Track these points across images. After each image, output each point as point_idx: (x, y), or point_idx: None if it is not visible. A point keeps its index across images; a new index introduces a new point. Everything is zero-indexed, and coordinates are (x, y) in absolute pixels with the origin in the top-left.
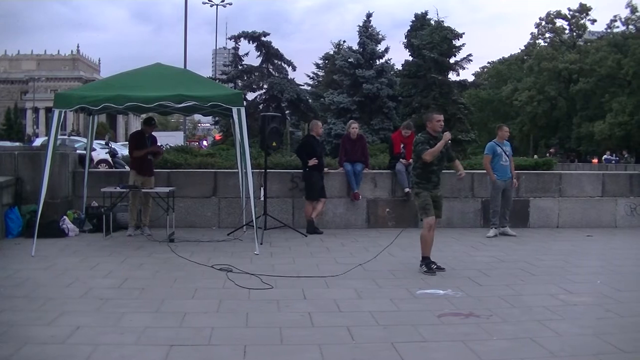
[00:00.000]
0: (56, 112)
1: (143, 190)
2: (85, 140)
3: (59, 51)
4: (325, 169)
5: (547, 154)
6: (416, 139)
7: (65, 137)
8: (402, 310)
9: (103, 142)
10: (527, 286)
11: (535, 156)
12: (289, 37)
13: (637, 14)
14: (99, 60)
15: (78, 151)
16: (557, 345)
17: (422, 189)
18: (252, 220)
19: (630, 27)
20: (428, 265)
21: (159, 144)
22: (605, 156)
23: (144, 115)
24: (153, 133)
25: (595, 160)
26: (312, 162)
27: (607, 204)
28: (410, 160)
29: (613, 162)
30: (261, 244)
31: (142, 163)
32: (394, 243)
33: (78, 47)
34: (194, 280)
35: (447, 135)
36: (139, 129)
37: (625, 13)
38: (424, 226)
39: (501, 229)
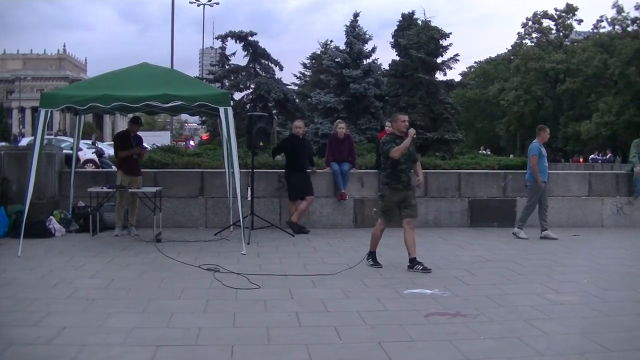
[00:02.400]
0: (42, 112)
1: (130, 190)
2: (71, 140)
3: (45, 50)
4: (313, 168)
5: None
6: (382, 140)
7: (52, 136)
8: (389, 310)
9: (90, 142)
10: (514, 285)
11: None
12: (277, 37)
13: (623, 14)
14: (86, 60)
15: (64, 151)
16: (543, 345)
17: (391, 190)
18: (239, 220)
19: (617, 27)
20: (374, 259)
21: (144, 144)
22: (592, 156)
23: (130, 115)
24: (139, 133)
25: (580, 160)
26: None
27: (593, 204)
28: None
29: (599, 161)
30: (248, 243)
31: (129, 163)
32: (381, 243)
33: (64, 46)
34: (181, 280)
35: (412, 132)
36: (125, 128)
37: (611, 13)
38: (377, 224)
39: (543, 232)
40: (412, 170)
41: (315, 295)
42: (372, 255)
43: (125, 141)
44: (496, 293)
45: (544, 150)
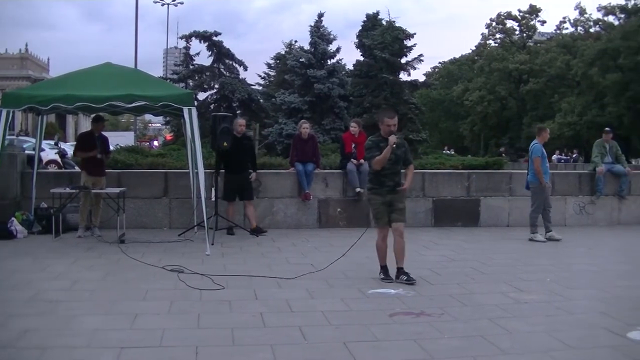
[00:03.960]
0: (4, 112)
1: (93, 191)
2: (34, 140)
3: (6, 50)
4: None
5: (502, 154)
6: (366, 144)
7: (14, 137)
8: (354, 310)
9: (52, 142)
10: (478, 285)
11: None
12: (243, 37)
13: (585, 15)
14: (48, 60)
15: (27, 151)
16: (507, 343)
17: (374, 194)
18: (203, 221)
19: (579, 28)
20: (384, 272)
21: (110, 144)
22: (554, 156)
23: (93, 115)
24: (105, 133)
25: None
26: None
27: (556, 203)
28: (362, 161)
29: (563, 161)
30: (212, 244)
31: (94, 163)
32: (348, 243)
33: (27, 45)
34: (145, 281)
35: (391, 140)
36: (89, 129)
37: (574, 15)
38: (377, 235)
39: (548, 233)
40: (399, 174)
41: (280, 296)
42: (382, 269)
43: (88, 142)
44: (460, 292)
45: (544, 151)
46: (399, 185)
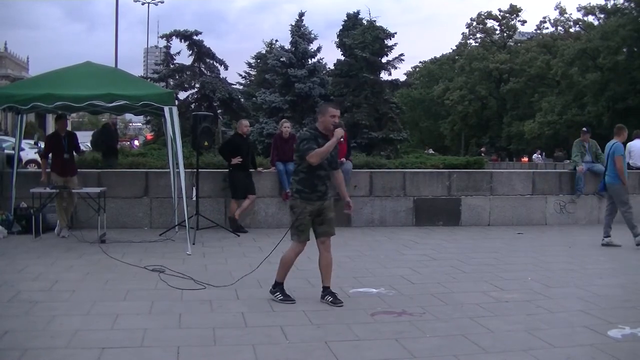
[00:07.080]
0: None
1: (74, 190)
2: (13, 139)
3: None
4: (260, 168)
5: (482, 154)
6: (300, 135)
7: None
8: (335, 309)
9: (32, 141)
10: (459, 284)
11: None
12: (224, 37)
13: (565, 15)
14: (28, 58)
15: (6, 151)
16: (488, 342)
17: (302, 201)
18: (184, 221)
19: (559, 28)
20: (283, 292)
21: (80, 141)
22: (535, 155)
23: (74, 115)
24: (84, 133)
25: (525, 159)
26: (236, 160)
27: (537, 202)
28: (343, 159)
29: (541, 160)
30: (193, 244)
31: (62, 164)
32: None
33: (5, 44)
34: (126, 281)
35: (338, 133)
36: (55, 130)
37: (554, 15)
38: (290, 248)
39: (606, 239)
40: (330, 178)
41: (261, 295)
42: (279, 287)
43: (56, 143)
44: (441, 291)
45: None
46: (329, 191)
